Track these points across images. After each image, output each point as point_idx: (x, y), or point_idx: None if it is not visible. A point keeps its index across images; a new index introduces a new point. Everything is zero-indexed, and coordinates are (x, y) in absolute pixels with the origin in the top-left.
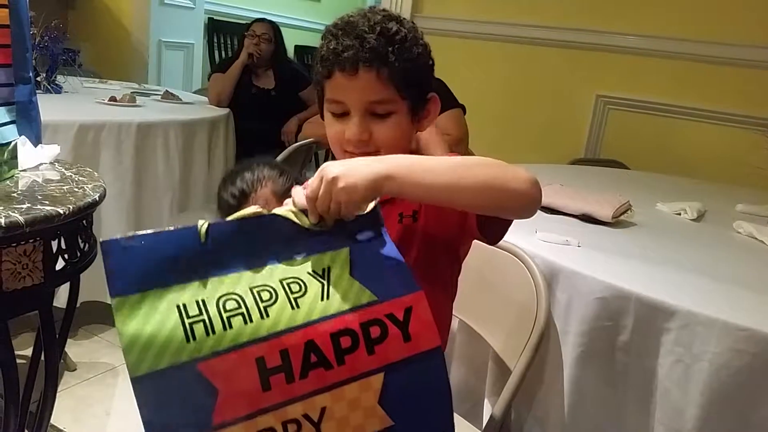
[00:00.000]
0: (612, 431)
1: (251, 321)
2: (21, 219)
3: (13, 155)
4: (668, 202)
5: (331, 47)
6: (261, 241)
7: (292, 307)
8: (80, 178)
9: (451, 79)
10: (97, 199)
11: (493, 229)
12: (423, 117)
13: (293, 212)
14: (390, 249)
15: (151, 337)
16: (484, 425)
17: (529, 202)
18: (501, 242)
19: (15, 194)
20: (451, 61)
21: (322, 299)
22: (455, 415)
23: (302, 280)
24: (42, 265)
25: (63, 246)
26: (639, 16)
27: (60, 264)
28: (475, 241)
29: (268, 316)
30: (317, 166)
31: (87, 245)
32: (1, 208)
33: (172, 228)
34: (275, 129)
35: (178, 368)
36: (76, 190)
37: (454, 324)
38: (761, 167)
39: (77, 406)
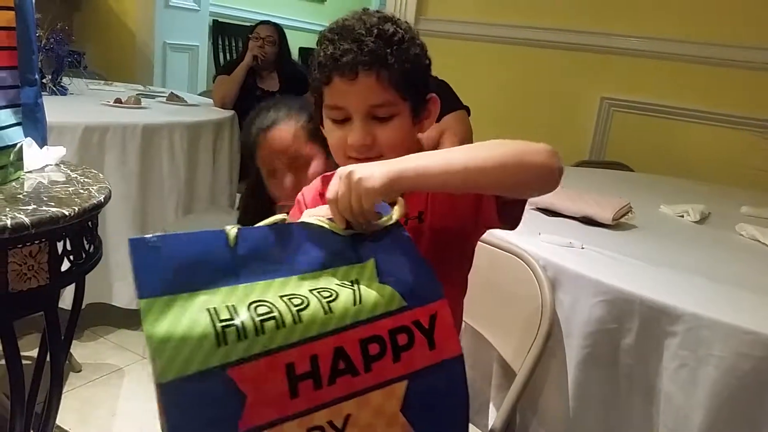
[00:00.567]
0: None
1: (284, 326)
2: (27, 220)
3: (19, 157)
4: (672, 204)
5: (329, 52)
6: (290, 250)
7: (325, 312)
8: (85, 180)
9: (456, 81)
10: (103, 200)
11: (513, 213)
12: (424, 118)
13: (322, 220)
14: (415, 255)
15: (182, 341)
16: (489, 428)
17: (549, 173)
18: (505, 244)
19: (21, 196)
20: (456, 63)
21: (355, 304)
22: None
23: (332, 289)
24: (47, 266)
25: (68, 247)
26: (643, 19)
27: (65, 265)
28: (479, 243)
29: (301, 321)
30: None
31: (92, 247)
32: (7, 209)
33: (197, 231)
34: None
35: (207, 373)
36: (82, 191)
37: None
38: (765, 169)
39: (82, 407)
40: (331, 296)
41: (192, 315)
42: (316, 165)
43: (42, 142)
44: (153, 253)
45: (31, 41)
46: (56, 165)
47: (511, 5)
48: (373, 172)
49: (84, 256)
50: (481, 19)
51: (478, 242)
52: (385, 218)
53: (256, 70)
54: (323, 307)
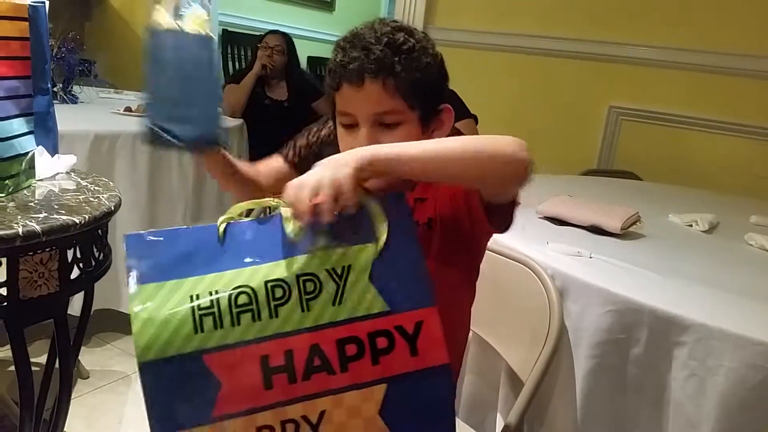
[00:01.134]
0: None
1: (260, 319)
2: (38, 228)
3: (31, 165)
4: (680, 214)
5: (338, 60)
6: (290, 233)
7: (303, 309)
8: (96, 188)
9: (464, 89)
10: (113, 208)
11: (501, 216)
12: (435, 128)
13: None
14: (416, 256)
15: (162, 325)
16: None
17: (517, 163)
18: (513, 253)
19: (32, 204)
20: (464, 72)
21: (334, 304)
22: (468, 427)
23: (319, 279)
24: (58, 274)
25: (78, 255)
26: (651, 27)
27: (75, 273)
28: (487, 252)
29: (277, 316)
30: None
31: (102, 254)
32: (19, 217)
33: (190, 227)
34: (288, 140)
35: (185, 357)
36: (92, 199)
37: (468, 335)
38: None
39: (90, 414)
40: (313, 291)
41: (175, 301)
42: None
43: (53, 150)
44: (146, 246)
45: (44, 51)
46: (67, 173)
47: (519, 14)
48: (347, 158)
49: (94, 263)
50: (488, 28)
51: (487, 251)
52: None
53: (265, 79)
54: (302, 304)
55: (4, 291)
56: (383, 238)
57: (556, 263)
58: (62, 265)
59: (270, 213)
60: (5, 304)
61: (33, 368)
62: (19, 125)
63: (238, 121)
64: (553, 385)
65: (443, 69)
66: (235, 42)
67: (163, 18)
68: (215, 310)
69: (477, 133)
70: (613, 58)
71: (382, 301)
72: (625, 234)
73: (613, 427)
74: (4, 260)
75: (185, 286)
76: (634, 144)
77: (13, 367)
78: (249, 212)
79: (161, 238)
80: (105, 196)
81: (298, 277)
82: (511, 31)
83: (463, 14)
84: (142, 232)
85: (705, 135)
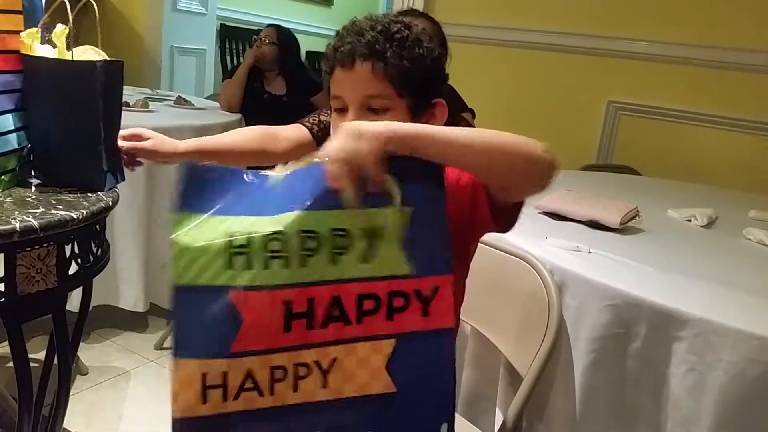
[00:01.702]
0: None
1: (289, 267)
2: (35, 223)
3: (27, 160)
4: (679, 209)
5: (333, 45)
6: (322, 188)
7: (330, 263)
8: None
9: (462, 84)
10: (110, 204)
11: (505, 215)
12: (427, 121)
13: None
14: (441, 220)
15: (198, 253)
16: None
17: (543, 164)
18: (511, 248)
19: (29, 199)
20: (462, 66)
21: (362, 262)
22: (467, 422)
23: (350, 235)
24: (55, 269)
25: (76, 251)
26: (650, 22)
27: (73, 268)
28: (486, 247)
29: (305, 266)
30: None
31: (100, 250)
32: (16, 212)
33: (246, 170)
34: None
35: (213, 289)
36: (90, 194)
37: (466, 330)
38: None
39: (89, 410)
40: (344, 246)
41: (214, 235)
42: None
43: None
44: (200, 177)
45: None
46: None
47: (517, 9)
48: (377, 126)
49: (92, 259)
50: (487, 22)
51: (486, 246)
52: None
53: (263, 73)
54: (329, 258)
55: (1, 287)
56: (399, 206)
57: (554, 258)
58: (60, 260)
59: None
60: (3, 300)
61: (32, 364)
62: (13, 120)
63: (236, 116)
64: (551, 379)
65: (439, 65)
66: (234, 37)
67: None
68: (248, 250)
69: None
70: (611, 53)
71: (407, 265)
72: (623, 229)
73: (611, 421)
74: (1, 256)
75: (226, 223)
76: (633, 139)
77: (11, 364)
78: None
79: (215, 174)
80: (103, 191)
81: (332, 230)
82: (510, 26)
83: (461, 9)
84: (197, 163)
85: (704, 130)
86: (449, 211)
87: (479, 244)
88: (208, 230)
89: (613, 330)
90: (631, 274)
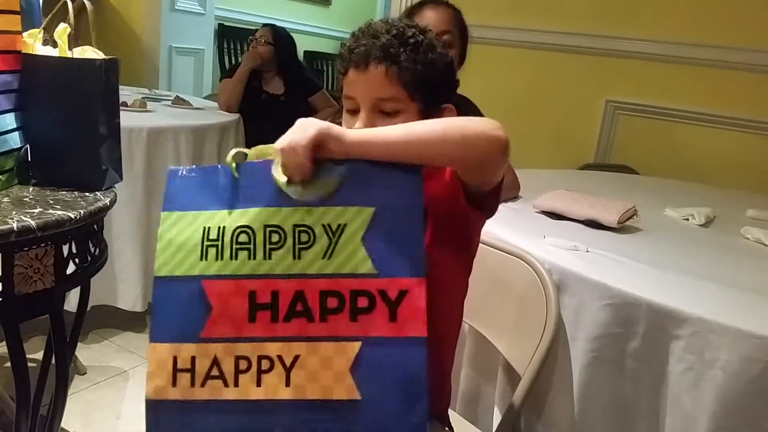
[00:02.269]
0: None
1: (254, 258)
2: (33, 223)
3: (24, 160)
4: (677, 208)
5: (348, 46)
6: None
7: (294, 257)
8: None
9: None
10: (108, 203)
11: (484, 201)
12: None
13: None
14: (414, 226)
15: (178, 247)
16: (493, 431)
17: (494, 141)
18: (510, 247)
19: (27, 199)
20: None
21: (324, 257)
22: (465, 421)
23: (313, 232)
24: (53, 269)
25: (74, 250)
26: (648, 21)
27: (71, 268)
28: (484, 246)
29: (270, 258)
30: None
31: (98, 249)
32: (14, 212)
33: (219, 165)
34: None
35: (188, 279)
36: (87, 194)
37: (465, 329)
38: None
39: (87, 410)
40: (307, 242)
41: (192, 229)
42: None
43: None
44: (180, 180)
45: None
46: None
47: (515, 9)
48: (339, 135)
49: (89, 259)
50: (485, 22)
51: (484, 246)
52: (319, 184)
53: (260, 72)
54: (294, 252)
55: None
56: (361, 205)
57: (553, 257)
58: (58, 260)
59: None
60: (0, 299)
61: (29, 364)
62: (11, 120)
63: (234, 116)
64: (550, 379)
65: (451, 70)
66: (232, 36)
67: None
68: (219, 243)
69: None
70: (609, 52)
71: (370, 263)
72: (621, 228)
73: (610, 420)
74: None
75: (202, 217)
76: (631, 138)
77: (9, 364)
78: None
79: (194, 174)
80: (100, 191)
81: (295, 226)
82: (507, 26)
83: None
84: (180, 168)
85: (702, 129)
86: (441, 206)
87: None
88: (186, 226)
89: (612, 329)
90: (629, 273)
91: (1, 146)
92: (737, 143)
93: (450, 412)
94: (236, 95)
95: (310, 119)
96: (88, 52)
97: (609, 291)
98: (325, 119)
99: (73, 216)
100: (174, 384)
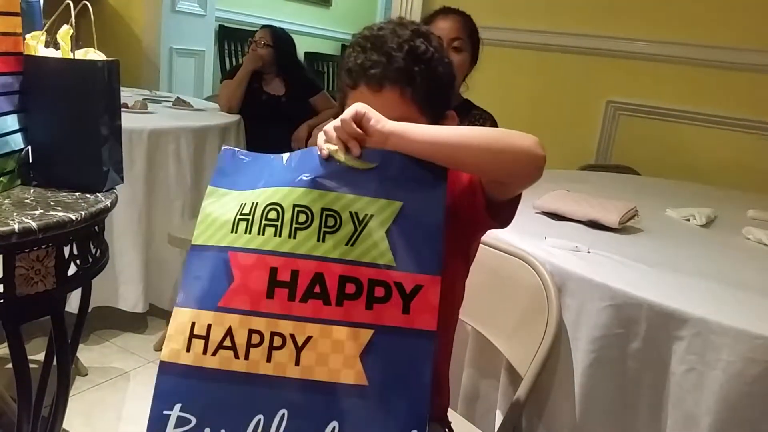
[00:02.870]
0: None
1: (280, 236)
2: (34, 225)
3: (25, 161)
4: (678, 208)
5: (359, 61)
6: (328, 169)
7: (318, 239)
8: None
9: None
10: (109, 205)
11: (501, 210)
12: None
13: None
14: (437, 223)
15: (214, 220)
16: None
17: (531, 158)
18: (511, 248)
19: (28, 200)
20: None
21: (347, 244)
22: (467, 422)
23: (340, 217)
24: (54, 270)
25: (75, 252)
26: (649, 22)
27: (72, 269)
28: (485, 247)
29: (294, 237)
30: None
31: (99, 251)
32: (15, 214)
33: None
34: (285, 135)
35: (217, 249)
36: (88, 195)
37: (467, 330)
38: None
39: (89, 411)
40: (333, 226)
41: (229, 205)
42: None
43: None
44: (232, 159)
45: None
46: None
47: (516, 9)
48: (380, 119)
49: (91, 260)
50: (486, 22)
51: (486, 246)
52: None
53: (261, 74)
54: (318, 234)
55: (0, 288)
56: (390, 199)
57: (554, 258)
58: (59, 261)
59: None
60: (2, 301)
61: (31, 365)
62: (12, 122)
63: (235, 117)
64: (551, 380)
65: (453, 76)
66: (232, 38)
67: None
68: (250, 217)
69: None
70: (611, 53)
71: (390, 256)
72: (622, 229)
73: (611, 421)
74: (0, 257)
75: (242, 195)
76: (632, 139)
77: (10, 365)
78: None
79: (246, 159)
80: (101, 192)
81: (323, 210)
82: (508, 26)
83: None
84: (236, 149)
85: (703, 129)
86: (455, 208)
87: (479, 244)
88: (225, 202)
89: (613, 330)
90: (630, 273)
91: (2, 148)
92: (738, 144)
93: (451, 412)
94: (237, 96)
95: (357, 104)
96: (90, 54)
97: (610, 292)
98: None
99: (74, 217)
100: (188, 349)
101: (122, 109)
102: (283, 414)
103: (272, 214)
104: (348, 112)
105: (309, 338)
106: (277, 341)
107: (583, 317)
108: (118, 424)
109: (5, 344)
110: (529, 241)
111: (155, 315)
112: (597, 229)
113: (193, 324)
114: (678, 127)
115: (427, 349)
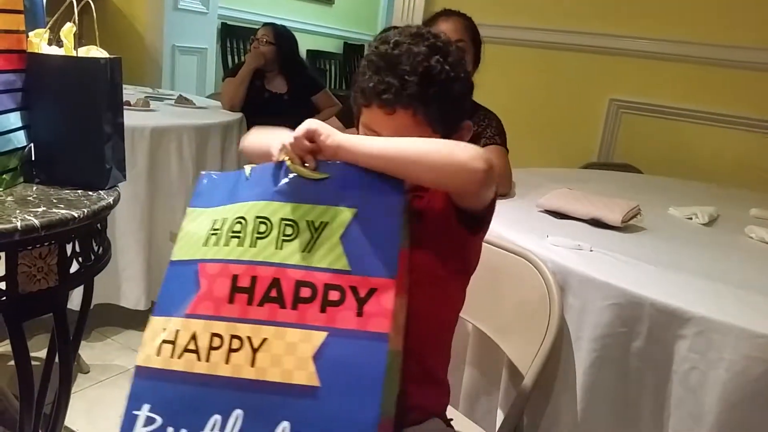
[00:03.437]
0: None
1: (242, 246)
2: (37, 222)
3: (28, 159)
4: (680, 207)
5: (371, 84)
6: (287, 182)
7: (276, 247)
8: None
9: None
10: (112, 202)
11: (471, 218)
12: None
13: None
14: (393, 228)
15: (190, 237)
16: (496, 430)
17: (469, 173)
18: (513, 247)
19: (31, 198)
20: None
21: (303, 251)
22: (469, 420)
23: (298, 226)
24: (57, 268)
25: (77, 249)
26: (652, 20)
27: (74, 267)
28: (487, 245)
29: (255, 246)
30: None
31: (101, 248)
32: (17, 211)
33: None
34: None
35: (190, 262)
36: (91, 193)
37: (468, 328)
38: None
39: (90, 408)
40: (290, 234)
41: (203, 223)
42: None
43: None
44: (207, 182)
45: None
46: None
47: (518, 7)
48: (330, 133)
49: (93, 257)
50: (489, 21)
51: (487, 245)
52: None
53: (263, 71)
54: (277, 243)
55: (3, 285)
56: (344, 206)
57: (556, 257)
58: (61, 259)
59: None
60: (4, 298)
61: (33, 363)
62: (15, 119)
63: (237, 115)
64: (553, 378)
65: (470, 88)
66: (235, 36)
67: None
68: (220, 231)
69: (504, 159)
70: (613, 51)
71: (345, 260)
72: (625, 227)
73: (614, 420)
74: (2, 255)
75: (215, 212)
76: (635, 137)
77: (13, 362)
78: None
79: (217, 178)
80: (104, 190)
81: (281, 219)
82: (511, 24)
83: (462, 7)
84: (212, 172)
85: (705, 128)
86: (440, 212)
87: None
88: (201, 220)
89: (615, 329)
90: (632, 272)
91: (5, 145)
92: (741, 142)
93: (453, 410)
94: (239, 94)
95: (310, 120)
96: (92, 52)
97: (612, 290)
98: (328, 118)
99: (76, 215)
100: (158, 353)
101: (125, 107)
102: (239, 414)
103: (237, 227)
104: (300, 130)
105: (264, 340)
106: (236, 344)
107: (585, 316)
108: (119, 421)
109: (7, 341)
110: (532, 239)
111: None
112: (600, 228)
113: (163, 330)
114: (681, 126)
115: (380, 351)
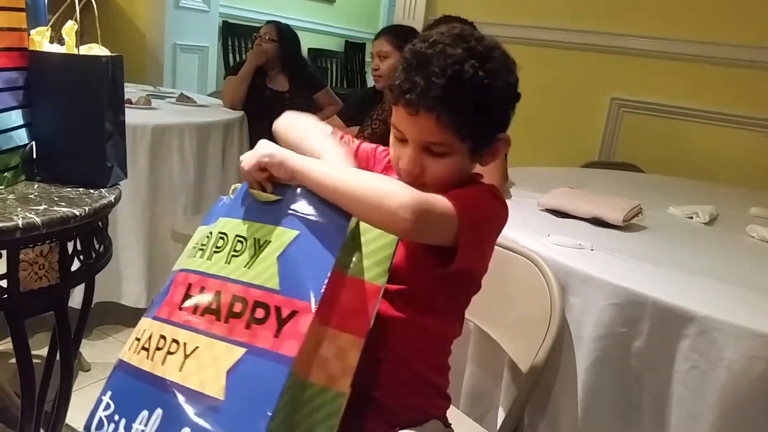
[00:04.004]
0: None
1: (203, 258)
2: (38, 220)
3: (29, 157)
4: (681, 206)
5: (398, 82)
6: (247, 201)
7: (226, 261)
8: None
9: None
10: (113, 200)
11: (445, 252)
12: (487, 153)
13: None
14: (327, 258)
15: (186, 250)
16: (497, 430)
17: (395, 221)
18: (514, 246)
19: (32, 196)
20: None
21: (245, 266)
22: (470, 419)
23: (246, 243)
24: (58, 266)
25: (78, 247)
26: (653, 19)
27: (75, 265)
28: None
29: (210, 259)
30: None
31: (102, 246)
32: (19, 209)
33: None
34: None
35: (174, 272)
36: (92, 191)
37: (470, 327)
38: None
39: (91, 406)
40: (239, 250)
41: (197, 237)
42: None
43: None
44: (217, 204)
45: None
46: None
47: (520, 5)
48: (282, 161)
49: (94, 255)
50: (490, 19)
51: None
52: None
53: (264, 69)
54: (227, 257)
55: (4, 283)
56: (286, 227)
57: (557, 256)
58: (62, 257)
59: None
60: (5, 296)
61: (34, 360)
62: (16, 117)
63: (238, 114)
64: (554, 377)
65: (512, 96)
66: (236, 34)
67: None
68: (198, 245)
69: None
70: (615, 50)
71: (277, 280)
72: (626, 226)
73: (615, 419)
74: (4, 252)
75: (207, 228)
76: (636, 136)
77: (14, 360)
78: None
79: (224, 200)
80: (105, 188)
81: (236, 236)
82: (512, 23)
83: (464, 5)
84: (224, 196)
85: (706, 127)
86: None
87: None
88: (198, 235)
89: (616, 328)
90: (634, 271)
91: (6, 143)
92: (741, 141)
93: (454, 410)
94: (240, 92)
95: (264, 145)
96: (94, 50)
97: (614, 289)
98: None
99: (77, 213)
100: (129, 348)
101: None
102: (159, 414)
103: (205, 240)
104: (251, 161)
105: (196, 348)
106: (174, 347)
107: (586, 315)
108: None
109: (9, 339)
110: (533, 238)
111: None
112: (601, 227)
113: (140, 330)
114: (682, 125)
115: (281, 374)
